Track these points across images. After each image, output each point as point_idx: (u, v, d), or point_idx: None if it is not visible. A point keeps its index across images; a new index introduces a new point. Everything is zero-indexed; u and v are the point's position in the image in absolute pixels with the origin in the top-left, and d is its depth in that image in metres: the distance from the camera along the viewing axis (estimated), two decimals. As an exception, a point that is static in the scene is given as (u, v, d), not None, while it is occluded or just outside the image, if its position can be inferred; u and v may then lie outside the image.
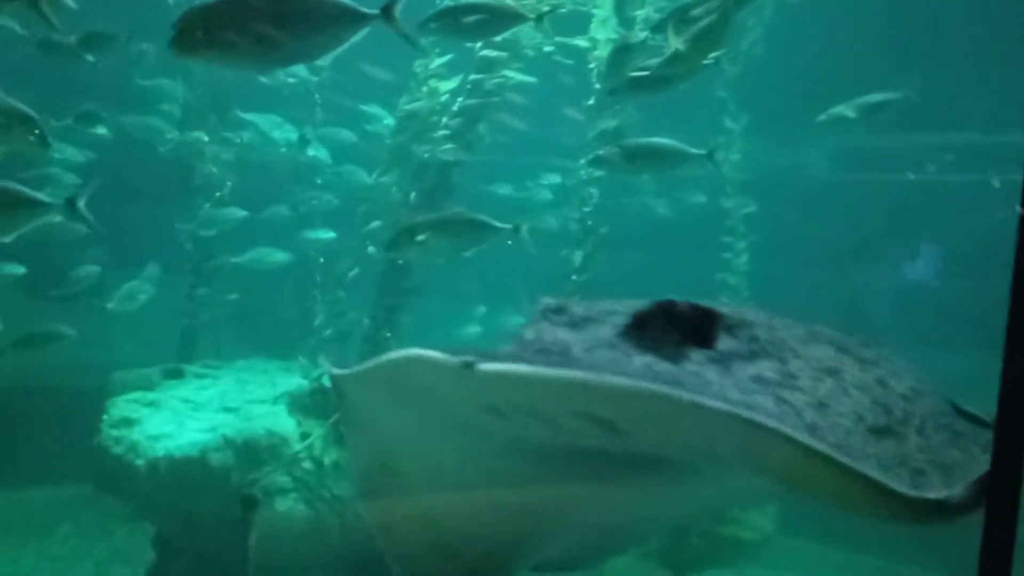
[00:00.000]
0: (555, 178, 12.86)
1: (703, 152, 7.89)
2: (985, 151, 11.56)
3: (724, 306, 2.29)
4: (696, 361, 2.07)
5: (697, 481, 2.51)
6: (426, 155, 9.06)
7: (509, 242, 7.40)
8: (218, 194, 11.45)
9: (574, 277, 8.96)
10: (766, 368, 2.05)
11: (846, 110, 8.61)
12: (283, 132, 12.44)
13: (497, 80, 9.10)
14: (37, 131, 6.70)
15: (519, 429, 2.10)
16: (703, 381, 1.98)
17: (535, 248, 7.40)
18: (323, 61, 11.08)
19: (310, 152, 12.25)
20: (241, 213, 11.43)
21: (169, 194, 11.65)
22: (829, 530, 8.87)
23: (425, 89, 9.34)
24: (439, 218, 7.57)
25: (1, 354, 9.26)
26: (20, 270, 10.18)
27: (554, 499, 2.61)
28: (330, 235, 11.44)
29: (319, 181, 12.40)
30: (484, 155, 9.64)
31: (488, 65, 9.11)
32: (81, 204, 6.34)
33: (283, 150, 12.31)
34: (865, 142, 12.20)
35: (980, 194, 10.45)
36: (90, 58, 8.34)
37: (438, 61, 9.48)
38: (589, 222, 9.61)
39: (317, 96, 12.03)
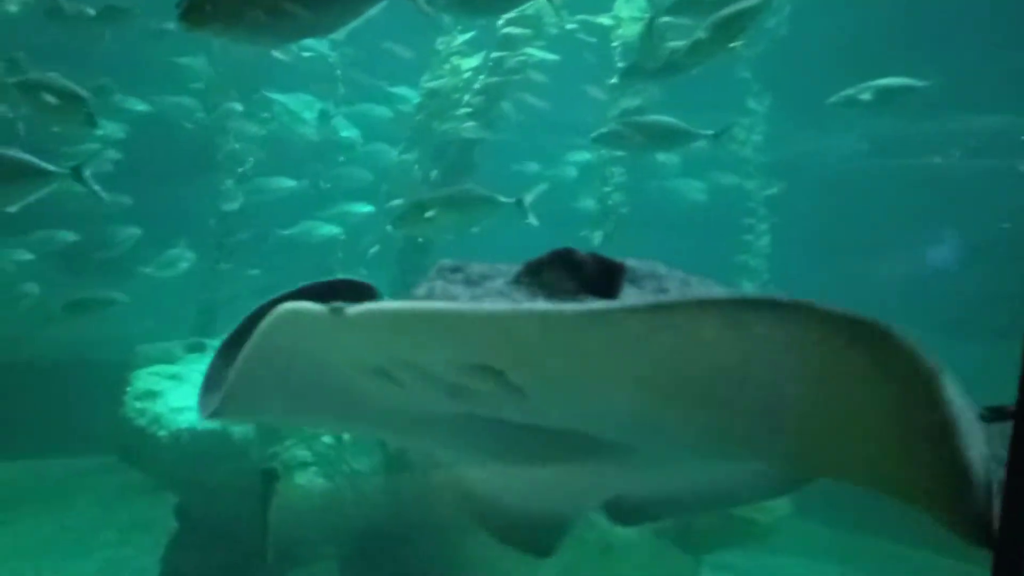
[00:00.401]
0: (584, 155, 12.81)
1: (710, 133, 7.89)
2: (1012, 136, 11.41)
3: (634, 260, 2.08)
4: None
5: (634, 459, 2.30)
6: (447, 133, 9.06)
7: (530, 220, 7.41)
8: (240, 169, 11.52)
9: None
10: None
11: (860, 93, 8.40)
12: (312, 111, 12.55)
13: (519, 58, 9.06)
14: (86, 110, 6.84)
15: (417, 399, 1.90)
16: None
17: (537, 221, 7.42)
18: (347, 39, 11.10)
19: (342, 133, 12.34)
20: (289, 183, 11.57)
21: (194, 170, 11.74)
22: (844, 514, 8.87)
23: (447, 67, 9.33)
24: (445, 194, 7.63)
25: (51, 319, 9.48)
26: (71, 237, 10.33)
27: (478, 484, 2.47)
28: (368, 208, 11.54)
29: (341, 159, 12.46)
30: (506, 133, 9.64)
31: (510, 43, 9.08)
32: (87, 173, 6.37)
33: (311, 129, 12.40)
34: (890, 125, 12.07)
35: (1005, 181, 10.35)
36: (101, 31, 8.41)
37: (460, 39, 9.46)
38: (609, 202, 9.59)
39: (339, 73, 12.05)
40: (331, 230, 11.52)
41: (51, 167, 6.13)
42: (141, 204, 10.88)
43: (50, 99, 6.69)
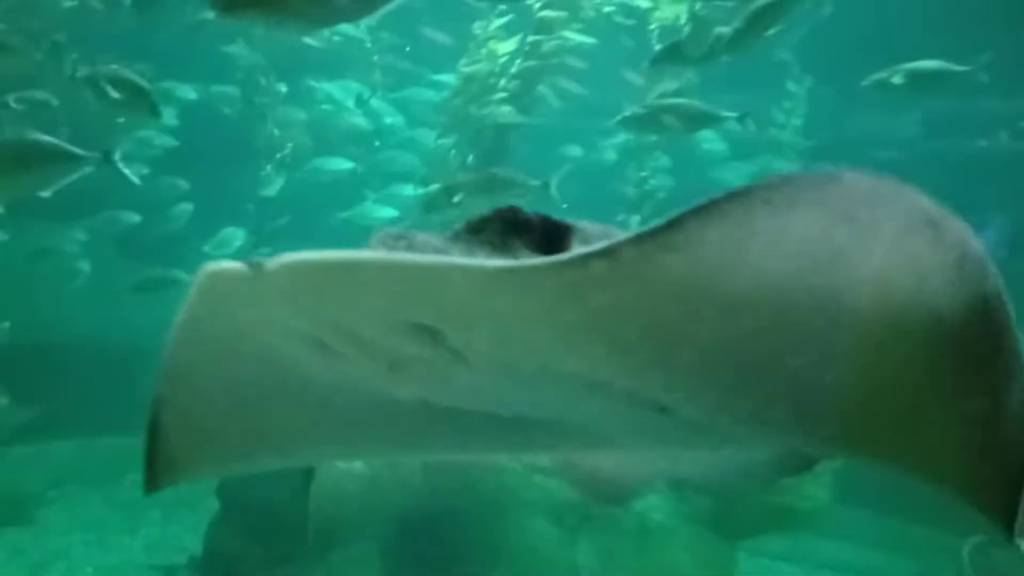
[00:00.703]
0: (622, 139, 12.78)
1: (734, 115, 7.88)
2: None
3: (588, 223, 1.94)
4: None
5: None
6: (484, 118, 9.07)
7: (557, 202, 7.42)
8: (279, 155, 11.64)
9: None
10: None
11: (892, 76, 8.21)
12: (355, 98, 12.67)
13: (556, 41, 9.03)
14: (151, 101, 6.99)
15: (360, 374, 1.74)
16: None
17: (564, 203, 7.44)
18: (387, 26, 11.16)
19: (386, 119, 12.44)
20: (347, 164, 11.69)
21: (242, 156, 11.92)
22: (889, 501, 8.77)
23: (484, 51, 9.32)
24: (472, 178, 7.67)
25: (118, 300, 9.73)
26: (135, 218, 10.61)
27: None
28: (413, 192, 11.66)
29: (377, 143, 12.55)
30: (546, 118, 9.61)
31: (546, 26, 9.04)
32: (117, 157, 6.44)
33: (356, 116, 12.51)
34: (935, 106, 11.84)
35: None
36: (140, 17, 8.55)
37: (497, 23, 9.44)
38: (647, 186, 9.54)
39: (376, 59, 12.10)
40: (388, 212, 11.61)
41: (81, 151, 6.18)
42: (196, 188, 11.16)
43: (116, 92, 6.84)
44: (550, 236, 1.79)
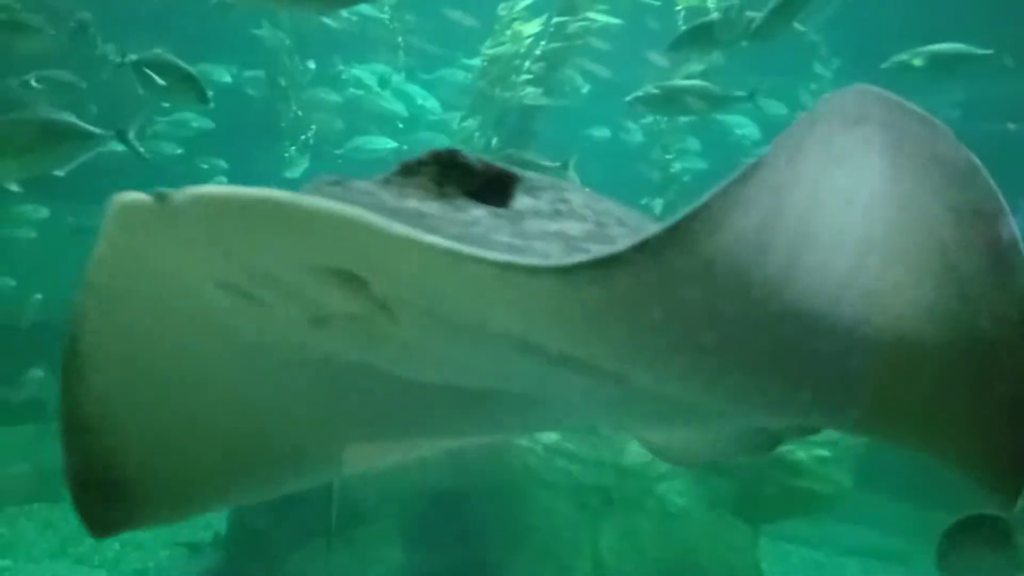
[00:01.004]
0: (647, 121, 12.73)
1: (744, 95, 7.94)
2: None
3: (535, 174, 1.81)
4: (469, 211, 1.60)
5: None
6: (508, 100, 9.05)
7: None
8: (303, 137, 11.69)
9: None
10: (572, 227, 1.60)
11: (913, 59, 8.13)
12: (386, 81, 12.69)
13: (581, 22, 8.98)
14: (197, 87, 7.06)
15: (281, 328, 1.60)
16: (466, 223, 1.54)
17: (587, 186, 7.42)
18: (412, 8, 11.15)
19: (419, 102, 12.47)
20: (390, 144, 11.74)
21: (269, 137, 12.00)
22: (910, 487, 8.73)
23: (509, 33, 9.28)
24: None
25: None
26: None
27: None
28: None
29: (400, 125, 12.57)
30: (572, 99, 9.57)
31: (572, 7, 8.99)
32: (131, 135, 6.47)
33: (391, 101, 12.55)
34: (967, 89, 11.66)
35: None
36: None
37: (521, 3, 9.39)
38: (672, 169, 9.50)
39: (400, 40, 12.10)
40: None
41: (96, 129, 6.17)
42: (234, 169, 11.27)
43: (162, 79, 6.90)
44: (492, 184, 1.68)
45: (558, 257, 1.43)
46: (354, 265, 1.39)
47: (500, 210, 1.62)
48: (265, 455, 2.02)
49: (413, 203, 1.56)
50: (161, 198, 1.29)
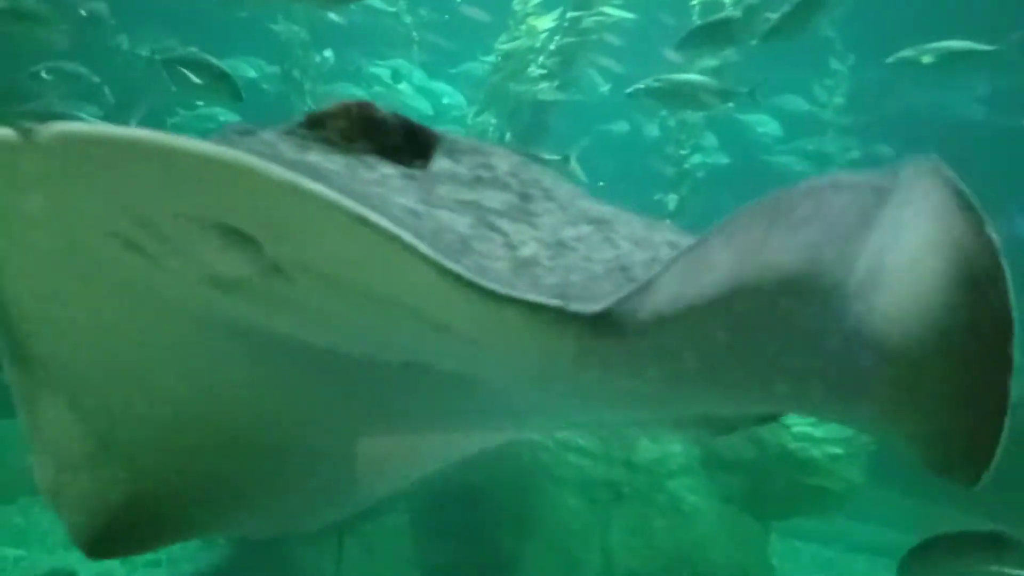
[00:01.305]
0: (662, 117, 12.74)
1: (744, 90, 7.98)
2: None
3: (455, 135, 1.68)
4: (378, 169, 1.47)
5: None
6: (522, 95, 9.05)
7: (577, 175, 7.41)
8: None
9: (668, 223, 8.90)
10: (490, 197, 1.50)
11: (920, 55, 8.12)
12: (411, 77, 12.72)
13: (596, 17, 8.97)
14: (231, 84, 7.10)
15: (176, 285, 1.46)
16: (368, 181, 1.43)
17: (584, 178, 7.45)
18: (428, 5, 11.16)
19: (444, 100, 12.50)
20: None
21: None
22: (923, 483, 8.69)
23: (523, 27, 9.27)
24: None
25: None
26: None
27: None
28: None
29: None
30: (582, 94, 9.56)
31: (586, 2, 8.98)
32: (132, 126, 6.50)
33: (418, 99, 12.58)
34: (991, 84, 11.58)
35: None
36: None
37: (535, -1, 9.40)
38: (685, 165, 9.48)
39: (415, 35, 12.12)
40: None
41: (96, 121, 6.24)
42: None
43: (197, 77, 6.95)
44: (409, 141, 1.56)
45: (457, 235, 1.33)
46: (235, 215, 1.27)
47: (416, 171, 1.51)
48: (194, 435, 1.82)
49: (314, 156, 1.46)
50: (26, 133, 1.16)
